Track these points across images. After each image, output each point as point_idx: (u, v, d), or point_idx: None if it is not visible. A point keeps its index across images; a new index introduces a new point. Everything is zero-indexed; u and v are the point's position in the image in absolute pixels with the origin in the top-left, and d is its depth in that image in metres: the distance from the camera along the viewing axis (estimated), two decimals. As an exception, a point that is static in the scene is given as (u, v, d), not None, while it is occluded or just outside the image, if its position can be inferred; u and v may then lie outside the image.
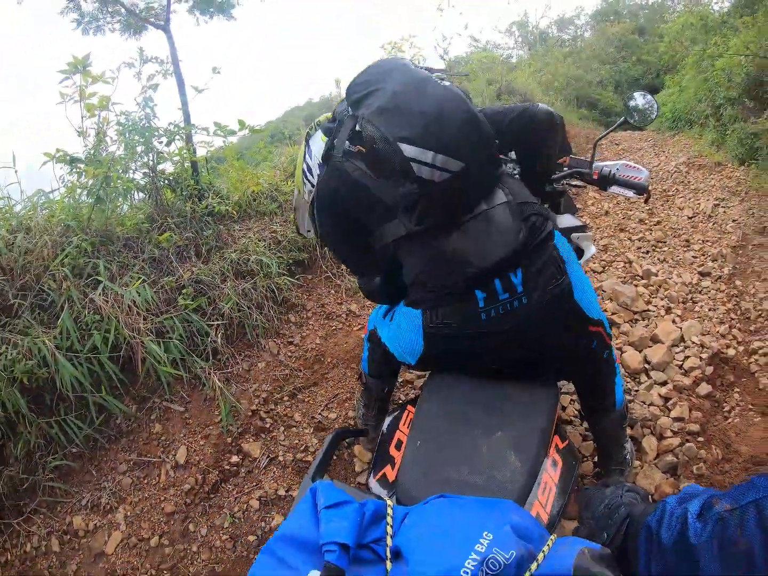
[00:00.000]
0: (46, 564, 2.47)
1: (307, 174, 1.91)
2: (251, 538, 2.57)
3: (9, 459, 2.61)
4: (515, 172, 2.16)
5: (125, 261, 3.40)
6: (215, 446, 2.90)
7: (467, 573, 0.87)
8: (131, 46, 5.73)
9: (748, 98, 7.92)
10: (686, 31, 12.77)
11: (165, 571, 2.45)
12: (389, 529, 1.02)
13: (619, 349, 3.50)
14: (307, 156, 1.92)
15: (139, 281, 3.15)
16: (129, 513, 2.64)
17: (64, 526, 2.58)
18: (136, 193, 4.08)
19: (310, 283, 4.26)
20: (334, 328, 3.90)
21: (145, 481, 2.77)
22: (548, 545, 0.96)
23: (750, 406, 3.01)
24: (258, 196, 4.69)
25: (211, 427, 2.99)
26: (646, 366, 3.34)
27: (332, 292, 4.27)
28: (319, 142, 1.83)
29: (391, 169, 1.57)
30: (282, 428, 3.08)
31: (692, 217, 6.65)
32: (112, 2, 5.40)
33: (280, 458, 2.91)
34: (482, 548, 0.91)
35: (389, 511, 1.07)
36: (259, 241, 4.08)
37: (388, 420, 1.81)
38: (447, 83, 1.67)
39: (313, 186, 1.87)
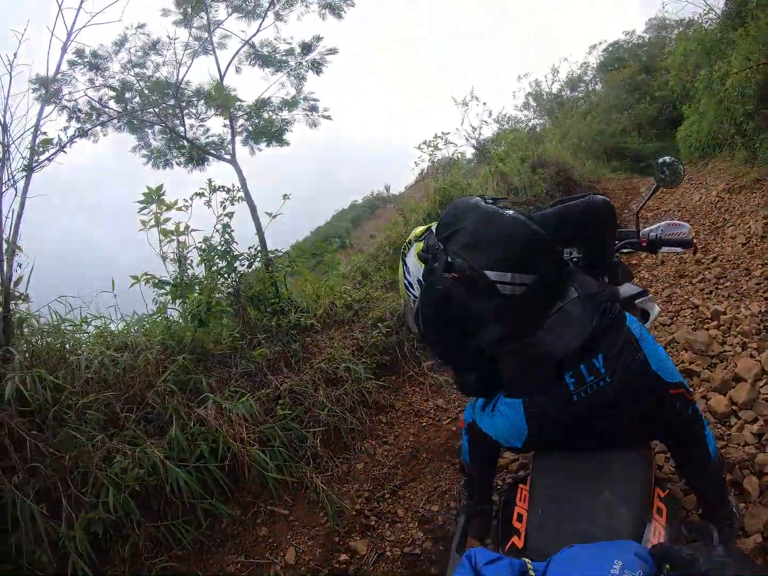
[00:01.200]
0: None
1: (409, 288, 2.27)
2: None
3: (115, 559, 2.72)
4: (579, 263, 2.42)
5: (221, 375, 3.65)
6: (323, 546, 2.96)
7: None
8: (199, 176, 6.31)
9: (765, 107, 7.90)
10: (689, 59, 12.94)
11: None
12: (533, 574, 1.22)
13: (704, 396, 3.44)
14: (406, 273, 2.29)
15: (246, 396, 3.38)
16: None
17: None
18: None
19: (395, 383, 4.42)
20: (424, 424, 4.00)
21: (255, 583, 2.83)
22: (667, 566, 1.13)
23: None
24: (334, 306, 4.94)
25: (317, 528, 3.05)
26: (734, 407, 3.26)
27: (417, 390, 4.41)
28: (414, 262, 2.21)
29: (480, 290, 1.88)
30: (387, 525, 3.12)
31: (746, 243, 6.48)
32: (176, 138, 5.99)
33: (388, 553, 2.93)
34: (616, 571, 1.12)
35: (529, 566, 1.25)
36: (343, 348, 4.31)
37: (502, 500, 1.99)
38: (510, 212, 2.00)
39: (415, 297, 2.20)
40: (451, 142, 9.06)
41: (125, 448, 2.86)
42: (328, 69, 6.47)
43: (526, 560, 1.28)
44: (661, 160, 2.71)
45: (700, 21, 13.29)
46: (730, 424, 3.17)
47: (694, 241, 2.48)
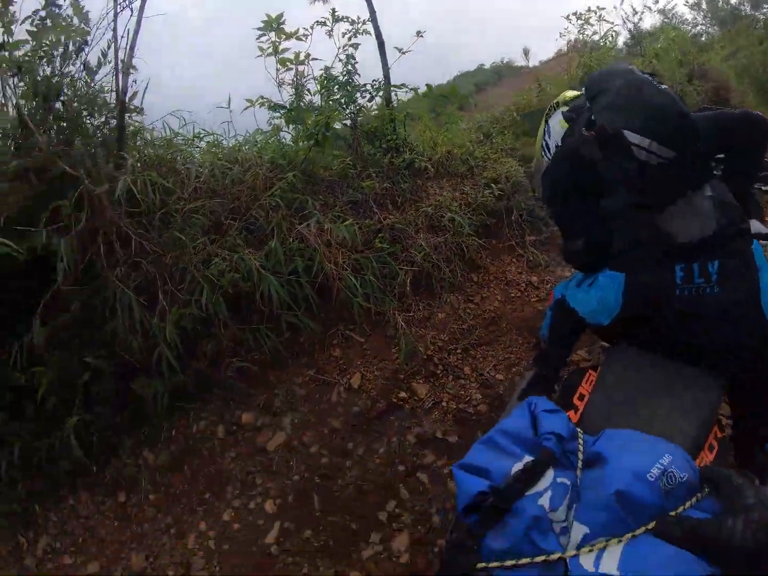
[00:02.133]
0: (208, 446, 2.79)
1: (545, 150, 2.25)
2: (401, 467, 2.72)
3: (199, 354, 2.92)
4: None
5: (327, 200, 3.69)
6: (387, 379, 3.08)
7: (652, 477, 1.06)
8: (323, 9, 6.06)
9: None
10: None
11: (317, 477, 2.67)
12: (580, 446, 1.22)
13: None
14: (546, 135, 2.27)
15: (348, 221, 3.40)
16: (297, 420, 2.91)
17: (233, 419, 2.89)
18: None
19: (495, 248, 4.34)
20: (513, 295, 3.96)
21: (317, 397, 3.02)
22: (707, 490, 1.09)
23: None
24: (451, 157, 4.80)
25: (386, 362, 3.18)
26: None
27: (515, 261, 4.33)
28: (556, 124, 2.17)
29: (616, 151, 1.77)
30: (451, 377, 3.19)
31: None
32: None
33: (444, 404, 3.03)
34: (665, 462, 1.09)
35: (580, 434, 1.27)
36: (452, 200, 4.22)
37: (570, 376, 1.95)
38: (664, 86, 1.86)
39: (549, 160, 2.15)
40: (606, 20, 8.30)
41: (224, 253, 3.01)
42: None
43: (579, 430, 1.29)
44: None
45: None
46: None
47: None
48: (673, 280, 1.72)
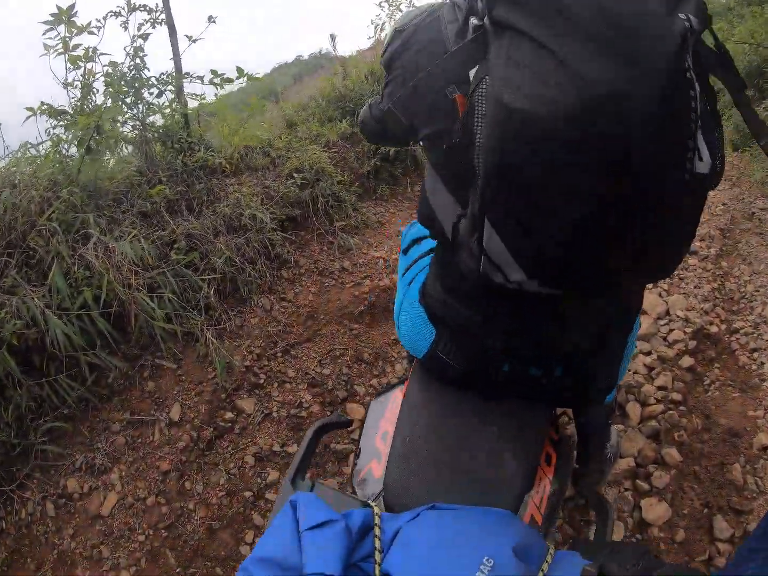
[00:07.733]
0: (43, 530, 2.47)
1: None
2: (247, 494, 2.61)
3: (0, 424, 2.56)
4: None
5: (114, 215, 3.32)
6: (209, 403, 2.90)
7: None
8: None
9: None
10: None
11: (162, 530, 2.48)
12: (377, 543, 0.94)
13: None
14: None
15: (132, 235, 3.07)
16: (124, 473, 2.65)
17: (59, 489, 2.58)
18: (124, 146, 3.96)
19: (303, 239, 4.21)
20: (327, 285, 3.87)
21: (139, 440, 2.77)
22: (547, 562, 0.91)
23: (729, 382, 3.07)
24: (250, 151, 4.61)
25: (204, 384, 2.98)
26: (632, 336, 3.36)
27: (325, 249, 4.23)
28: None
29: None
30: (276, 384, 3.08)
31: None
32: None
33: (275, 414, 2.92)
34: (486, 571, 0.85)
35: (377, 520, 0.99)
36: (252, 196, 4.00)
37: (373, 405, 1.59)
38: None
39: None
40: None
41: (3, 298, 2.63)
42: None
43: (376, 511, 1.01)
44: None
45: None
46: (625, 349, 3.27)
47: None
48: (495, 371, 1.30)
